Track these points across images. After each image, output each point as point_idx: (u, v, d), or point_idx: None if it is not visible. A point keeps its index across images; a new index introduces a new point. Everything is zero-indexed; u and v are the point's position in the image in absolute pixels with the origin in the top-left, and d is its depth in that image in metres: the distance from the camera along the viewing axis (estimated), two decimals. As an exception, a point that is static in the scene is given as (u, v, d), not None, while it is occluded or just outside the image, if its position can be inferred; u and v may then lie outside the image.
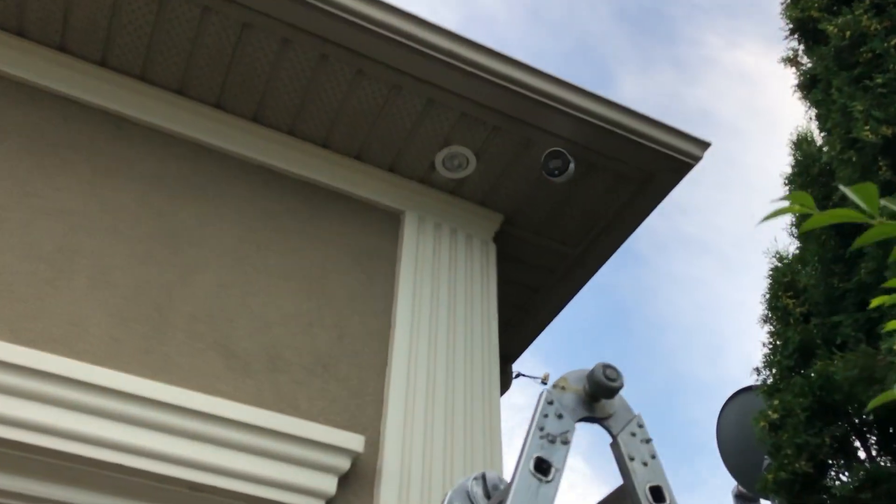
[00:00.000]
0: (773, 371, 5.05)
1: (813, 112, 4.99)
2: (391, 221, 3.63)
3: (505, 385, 4.71)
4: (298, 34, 3.24)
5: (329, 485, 2.66)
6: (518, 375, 5.00)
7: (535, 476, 1.58)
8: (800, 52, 4.98)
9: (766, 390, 4.93)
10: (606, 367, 1.72)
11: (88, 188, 3.03)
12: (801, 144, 5.76)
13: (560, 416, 1.69)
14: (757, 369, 5.19)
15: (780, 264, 5.58)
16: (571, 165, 3.51)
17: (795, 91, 4.96)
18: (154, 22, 3.21)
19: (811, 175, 5.48)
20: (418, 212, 3.68)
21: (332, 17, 3.17)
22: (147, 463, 2.49)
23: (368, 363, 3.11)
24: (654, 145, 3.62)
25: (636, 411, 1.80)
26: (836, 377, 4.16)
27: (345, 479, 2.73)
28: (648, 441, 1.75)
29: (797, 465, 4.23)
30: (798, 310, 5.15)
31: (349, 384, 3.01)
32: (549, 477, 1.60)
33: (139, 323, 2.78)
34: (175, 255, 3.02)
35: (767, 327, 5.38)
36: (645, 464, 1.71)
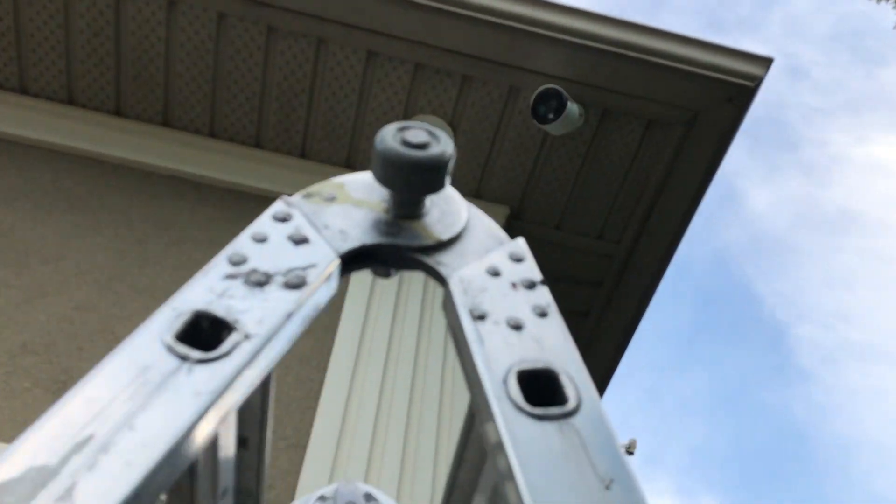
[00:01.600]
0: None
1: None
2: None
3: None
4: (184, -8, 2.53)
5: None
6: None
7: (173, 352, 0.50)
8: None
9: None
10: (402, 127, 0.67)
11: (-84, 208, 2.33)
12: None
13: (301, 242, 0.63)
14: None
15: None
16: (570, 105, 2.53)
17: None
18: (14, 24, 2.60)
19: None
20: (386, 211, 2.76)
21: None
22: None
23: (289, 395, 2.12)
24: (693, 68, 2.60)
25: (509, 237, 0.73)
26: None
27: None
28: (533, 286, 0.66)
29: None
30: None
31: (253, 425, 2.02)
32: (221, 350, 0.51)
33: (-66, 358, 1.95)
34: (18, 276, 2.22)
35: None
36: (517, 327, 0.59)
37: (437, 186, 0.58)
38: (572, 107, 2.54)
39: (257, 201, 2.63)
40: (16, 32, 2.63)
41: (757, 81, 2.63)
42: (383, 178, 0.57)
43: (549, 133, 2.73)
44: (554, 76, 2.62)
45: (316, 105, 2.73)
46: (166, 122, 2.79)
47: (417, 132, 0.60)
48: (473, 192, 2.90)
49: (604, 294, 3.14)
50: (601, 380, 3.45)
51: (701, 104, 2.65)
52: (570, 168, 2.83)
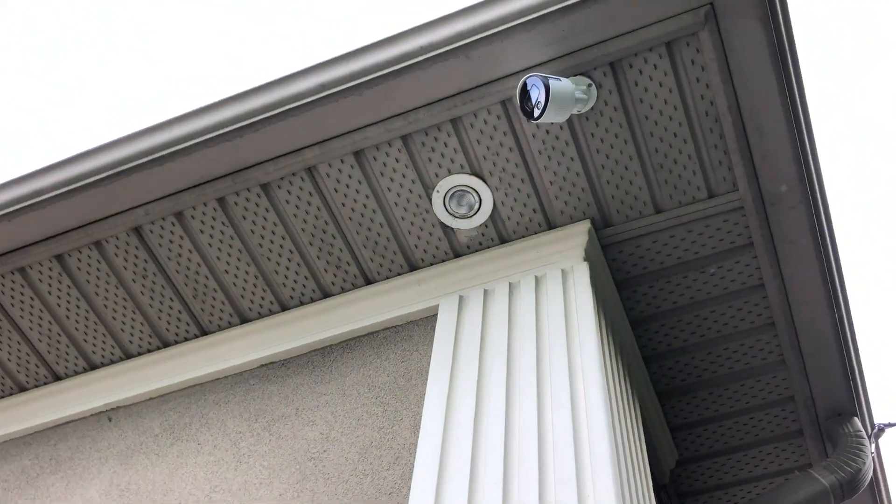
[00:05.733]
0: None
1: None
2: (424, 327, 2.47)
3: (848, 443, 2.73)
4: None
5: None
6: (882, 430, 2.88)
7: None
8: None
9: None
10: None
11: None
12: None
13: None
14: None
15: None
16: (554, 82, 2.15)
17: None
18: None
19: None
20: (458, 292, 2.48)
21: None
22: None
23: (379, 540, 1.84)
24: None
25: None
26: None
27: None
28: None
29: None
30: None
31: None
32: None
33: None
34: (130, 530, 2.23)
35: None
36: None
37: None
38: (559, 83, 2.16)
39: (340, 348, 2.51)
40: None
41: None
42: None
43: (568, 121, 2.35)
44: (532, 66, 2.28)
45: (347, 230, 2.60)
46: (243, 319, 2.79)
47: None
48: (544, 226, 2.53)
49: (763, 249, 2.53)
50: (843, 350, 2.71)
51: (709, -9, 2.13)
52: (623, 143, 2.38)
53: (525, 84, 2.18)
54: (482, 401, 2.01)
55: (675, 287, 2.65)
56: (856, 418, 2.81)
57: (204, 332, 2.84)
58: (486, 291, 2.44)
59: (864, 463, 2.67)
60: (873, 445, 2.81)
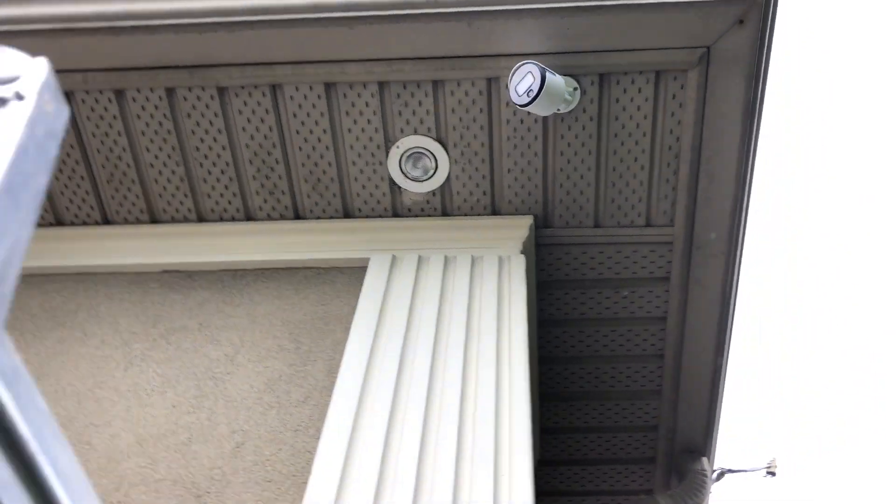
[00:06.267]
0: None
1: None
2: (349, 276, 2.44)
3: (693, 491, 2.96)
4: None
5: None
6: (723, 474, 3.16)
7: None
8: None
9: None
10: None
11: None
12: None
13: None
14: None
15: None
16: (550, 76, 2.18)
17: None
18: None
19: None
20: (391, 251, 2.47)
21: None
22: None
23: (280, 473, 1.81)
24: None
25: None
26: None
27: None
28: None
29: None
30: None
31: (238, 516, 1.71)
32: None
33: None
34: None
35: None
36: None
37: None
38: (555, 78, 2.19)
39: (254, 275, 2.42)
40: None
41: (769, -9, 2.20)
42: None
43: (545, 117, 2.39)
44: (528, 53, 2.29)
45: (292, 158, 2.51)
46: (153, 219, 2.64)
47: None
48: (489, 210, 2.56)
49: (677, 286, 2.68)
50: (712, 400, 2.92)
51: (707, 36, 2.23)
52: (588, 153, 2.45)
53: (522, 68, 2.20)
54: (406, 361, 2.01)
55: (587, 300, 2.76)
56: (704, 458, 3.03)
57: (107, 222, 2.66)
58: (420, 258, 2.43)
59: (704, 500, 2.89)
60: (712, 486, 3.05)
